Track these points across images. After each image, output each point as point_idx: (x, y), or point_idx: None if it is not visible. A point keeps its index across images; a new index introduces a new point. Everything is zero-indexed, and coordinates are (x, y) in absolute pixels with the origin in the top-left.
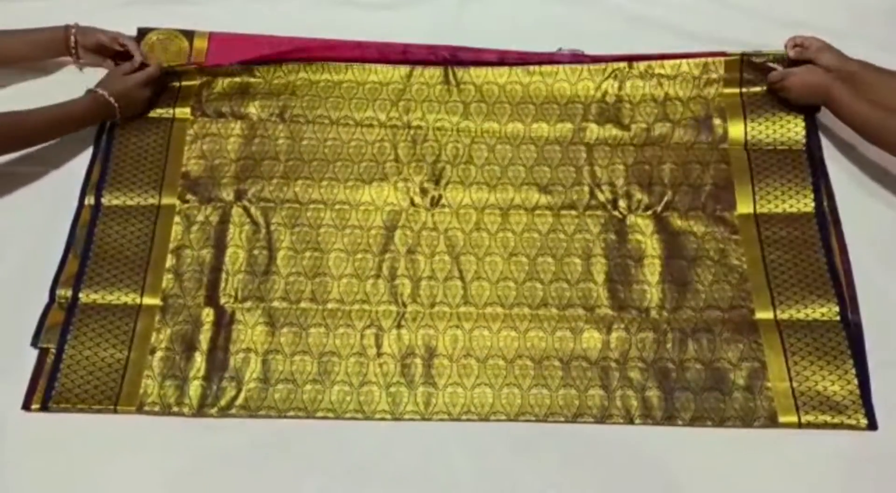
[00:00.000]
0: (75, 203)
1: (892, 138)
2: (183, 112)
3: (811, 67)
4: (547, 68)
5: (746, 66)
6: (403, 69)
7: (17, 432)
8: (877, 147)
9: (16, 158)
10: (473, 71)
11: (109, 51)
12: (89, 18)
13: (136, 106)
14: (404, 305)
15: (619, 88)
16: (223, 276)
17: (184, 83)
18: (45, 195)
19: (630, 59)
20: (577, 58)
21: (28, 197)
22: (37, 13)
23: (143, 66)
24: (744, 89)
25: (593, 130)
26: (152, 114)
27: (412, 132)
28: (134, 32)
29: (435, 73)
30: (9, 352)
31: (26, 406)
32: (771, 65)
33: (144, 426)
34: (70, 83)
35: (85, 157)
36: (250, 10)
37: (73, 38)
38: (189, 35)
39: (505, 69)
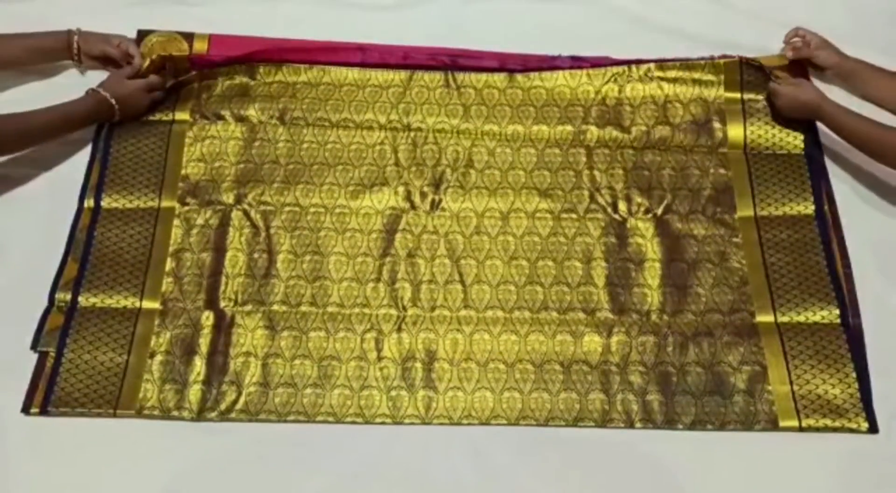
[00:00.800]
0: (75, 206)
1: (892, 153)
2: (182, 115)
3: (801, 83)
4: (547, 74)
5: (747, 68)
6: (404, 73)
7: (16, 435)
8: (876, 161)
9: (14, 160)
10: (474, 75)
11: (113, 59)
12: (89, 20)
13: (137, 110)
14: (404, 308)
15: (620, 91)
16: (223, 279)
17: (183, 85)
18: (45, 198)
19: (630, 63)
20: (578, 62)
21: (27, 200)
22: (36, 15)
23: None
24: (745, 95)
25: (593, 133)
26: (151, 116)
27: (412, 135)
28: (134, 34)
29: (435, 76)
30: (9, 355)
31: (26, 410)
32: (768, 69)
33: (144, 428)
34: (71, 86)
35: (84, 159)
36: (251, 12)
37: (76, 44)
38: (189, 37)
39: (505, 74)
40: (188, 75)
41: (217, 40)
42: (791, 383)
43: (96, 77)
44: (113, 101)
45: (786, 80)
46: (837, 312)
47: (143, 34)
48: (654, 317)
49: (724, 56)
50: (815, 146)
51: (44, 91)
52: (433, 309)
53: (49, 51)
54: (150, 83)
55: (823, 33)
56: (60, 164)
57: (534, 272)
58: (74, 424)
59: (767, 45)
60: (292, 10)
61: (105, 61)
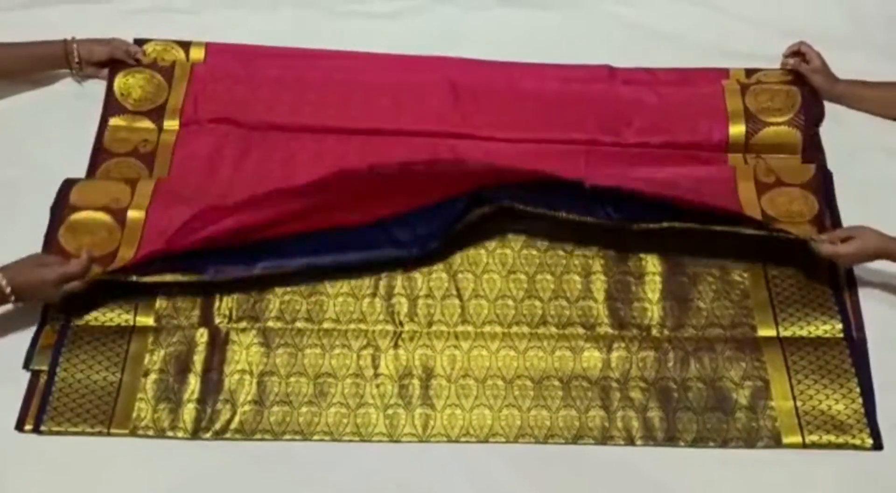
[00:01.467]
0: None
1: None
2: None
3: (858, 234)
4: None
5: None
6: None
7: (10, 453)
8: None
9: (6, 165)
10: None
11: (110, 61)
12: (88, 30)
13: (43, 298)
14: (401, 324)
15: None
16: (217, 295)
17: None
18: (38, 211)
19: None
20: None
21: (20, 213)
22: (34, 25)
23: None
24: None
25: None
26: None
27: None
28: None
29: None
30: (2, 373)
31: (19, 427)
32: (805, 237)
33: (138, 445)
34: (67, 95)
35: (80, 169)
36: (249, 21)
37: (75, 52)
38: (185, 45)
39: None
40: (118, 271)
41: (214, 48)
42: (794, 398)
43: (93, 86)
44: (8, 290)
45: (836, 235)
46: (841, 326)
47: (139, 43)
48: (654, 331)
49: (726, 72)
50: (818, 153)
51: (42, 99)
52: (430, 325)
53: (47, 59)
54: (62, 275)
55: (821, 36)
56: (54, 174)
57: (532, 286)
58: (68, 441)
59: (763, 50)
60: (290, 19)
61: (108, 64)
